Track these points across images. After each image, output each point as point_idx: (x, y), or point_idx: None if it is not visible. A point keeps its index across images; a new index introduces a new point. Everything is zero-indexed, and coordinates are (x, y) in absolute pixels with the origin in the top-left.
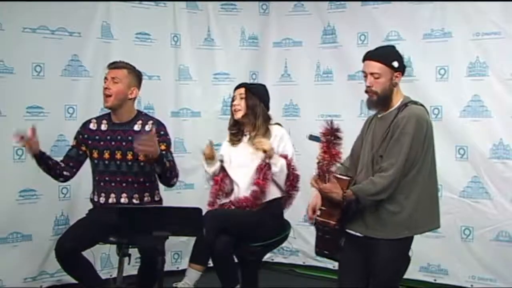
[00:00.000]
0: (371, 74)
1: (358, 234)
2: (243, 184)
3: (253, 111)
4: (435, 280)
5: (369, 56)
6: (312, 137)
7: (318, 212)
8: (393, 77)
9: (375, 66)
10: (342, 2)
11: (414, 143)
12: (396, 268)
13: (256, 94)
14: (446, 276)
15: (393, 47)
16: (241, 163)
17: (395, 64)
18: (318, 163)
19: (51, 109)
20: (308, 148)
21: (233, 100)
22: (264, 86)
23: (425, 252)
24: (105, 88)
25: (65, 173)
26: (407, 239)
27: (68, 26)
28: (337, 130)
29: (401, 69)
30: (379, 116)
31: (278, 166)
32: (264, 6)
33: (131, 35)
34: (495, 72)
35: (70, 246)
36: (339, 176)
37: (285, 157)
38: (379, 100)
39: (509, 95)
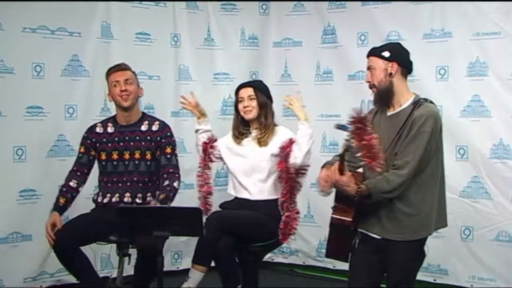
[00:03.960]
0: (368, 68)
1: (375, 235)
2: (241, 174)
3: (264, 109)
4: (435, 280)
5: (367, 53)
6: (340, 126)
7: (332, 210)
8: (387, 68)
9: (369, 60)
10: (342, 2)
11: (430, 143)
12: (413, 267)
13: (263, 92)
14: (446, 276)
15: (396, 43)
16: (244, 154)
17: (385, 54)
18: (344, 151)
19: (51, 109)
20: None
21: (238, 102)
22: (262, 81)
23: None
24: (123, 91)
25: (80, 188)
26: (423, 238)
27: (68, 26)
28: (365, 118)
29: (395, 59)
30: (388, 114)
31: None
32: (264, 6)
33: (131, 35)
34: (495, 72)
35: (69, 239)
36: (354, 171)
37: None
38: (380, 93)
39: (509, 95)
